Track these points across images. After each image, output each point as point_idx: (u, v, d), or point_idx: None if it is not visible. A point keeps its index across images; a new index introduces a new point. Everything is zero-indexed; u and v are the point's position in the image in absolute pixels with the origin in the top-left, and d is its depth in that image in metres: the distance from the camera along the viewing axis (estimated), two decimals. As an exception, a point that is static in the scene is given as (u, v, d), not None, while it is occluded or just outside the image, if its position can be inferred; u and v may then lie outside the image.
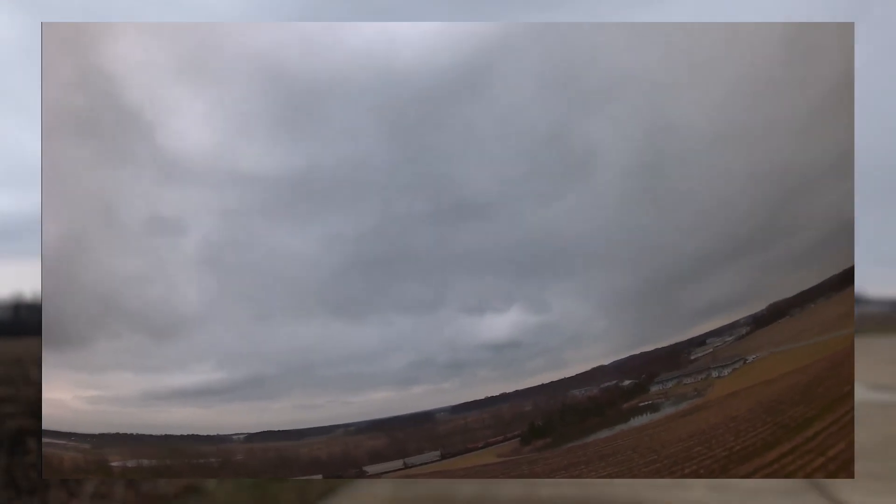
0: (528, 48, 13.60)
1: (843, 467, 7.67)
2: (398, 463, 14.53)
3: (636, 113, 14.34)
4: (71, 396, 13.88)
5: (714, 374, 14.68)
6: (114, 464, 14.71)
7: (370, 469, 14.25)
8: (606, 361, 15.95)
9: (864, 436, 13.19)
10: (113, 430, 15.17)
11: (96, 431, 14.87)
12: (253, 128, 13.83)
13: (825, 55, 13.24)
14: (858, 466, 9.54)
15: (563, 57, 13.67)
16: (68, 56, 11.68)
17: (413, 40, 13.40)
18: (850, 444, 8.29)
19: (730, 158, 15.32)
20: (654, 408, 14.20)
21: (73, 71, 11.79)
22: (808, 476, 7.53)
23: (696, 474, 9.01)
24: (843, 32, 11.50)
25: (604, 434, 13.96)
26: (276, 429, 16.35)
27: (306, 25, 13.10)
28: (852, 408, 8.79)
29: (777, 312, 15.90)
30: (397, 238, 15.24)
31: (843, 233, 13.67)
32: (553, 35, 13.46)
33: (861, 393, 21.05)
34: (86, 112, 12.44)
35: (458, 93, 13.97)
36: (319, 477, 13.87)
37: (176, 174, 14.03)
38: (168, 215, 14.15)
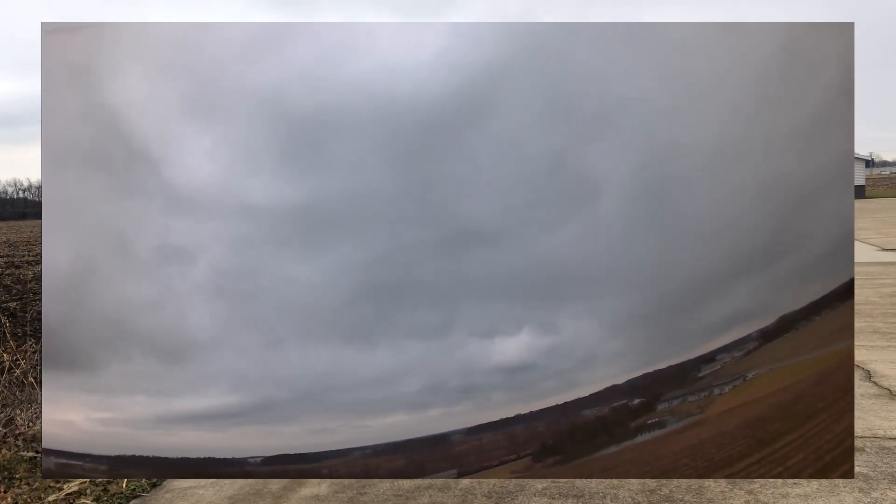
0: (523, 76, 13.91)
1: (796, 470, 7.78)
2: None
3: (636, 136, 14.54)
4: (82, 418, 14.31)
5: (716, 391, 14.78)
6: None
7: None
8: (620, 381, 16.06)
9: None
10: (129, 453, 15.33)
11: (112, 453, 14.70)
12: (258, 161, 14.36)
13: (826, 57, 13.37)
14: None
15: (560, 84, 13.95)
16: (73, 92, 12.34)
17: (409, 69, 13.82)
18: (814, 451, 8.44)
19: (732, 174, 15.41)
20: (661, 424, 14.30)
21: (78, 107, 12.44)
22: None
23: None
24: (843, 33, 11.59)
25: (611, 450, 14.15)
26: (292, 452, 16.70)
27: (304, 59, 13.63)
28: (852, 413, 8.85)
29: (784, 326, 15.94)
30: (405, 266, 15.52)
31: (849, 242, 13.88)
32: (548, 61, 13.79)
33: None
34: (92, 146, 13.10)
35: (458, 123, 14.31)
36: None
37: (185, 206, 14.62)
38: (178, 245, 14.69)
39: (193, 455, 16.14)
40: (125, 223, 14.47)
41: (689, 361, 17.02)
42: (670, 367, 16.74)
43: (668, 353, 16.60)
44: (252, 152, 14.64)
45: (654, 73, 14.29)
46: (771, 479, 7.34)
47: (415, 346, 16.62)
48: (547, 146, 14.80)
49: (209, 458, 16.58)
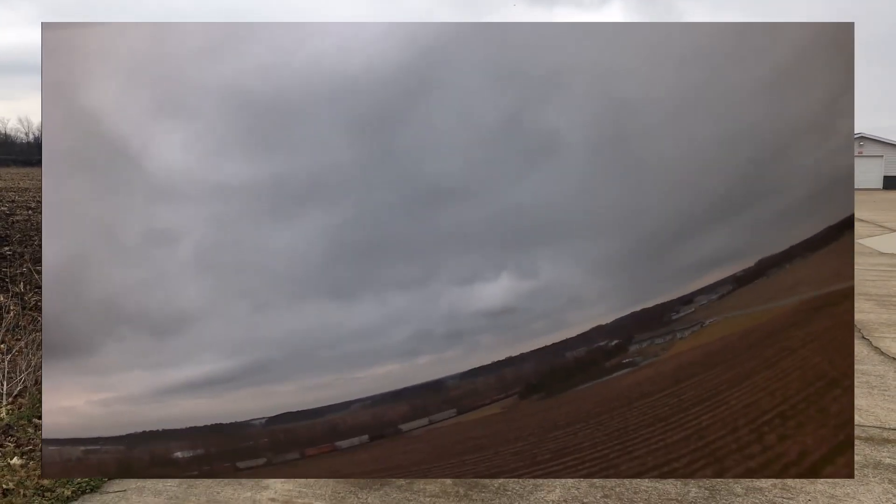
0: (473, 47, 14.25)
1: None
2: (424, 421, 15.97)
3: (588, 94, 14.87)
4: (82, 402, 14.92)
5: (678, 335, 15.40)
6: (178, 455, 14.94)
7: (404, 427, 15.66)
8: (606, 321, 16.66)
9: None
10: (133, 430, 15.18)
11: (123, 433, 14.97)
12: (229, 146, 14.98)
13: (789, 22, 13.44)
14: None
15: (508, 54, 14.28)
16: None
17: (357, 46, 14.18)
18: (706, 390, 9.24)
19: (697, 125, 15.68)
20: (633, 364, 14.99)
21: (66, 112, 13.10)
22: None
23: (605, 413, 10.11)
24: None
25: (582, 387, 14.95)
26: (293, 410, 17.35)
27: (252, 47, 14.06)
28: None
29: (757, 272, 16.41)
30: (378, 226, 16.13)
31: (823, 194, 14.12)
32: (495, 32, 14.08)
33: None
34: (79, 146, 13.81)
35: (411, 92, 14.77)
36: (366, 437, 15.18)
37: (165, 192, 15.34)
38: (162, 227, 15.45)
39: (200, 423, 16.90)
40: (112, 215, 15.16)
41: (665, 304, 17.51)
42: (652, 308, 17.27)
43: (644, 295, 17.15)
44: (222, 139, 15.17)
45: (599, 40, 14.45)
46: (802, 493, 6.95)
47: (398, 297, 17.25)
48: (500, 108, 15.18)
49: (216, 423, 17.33)
